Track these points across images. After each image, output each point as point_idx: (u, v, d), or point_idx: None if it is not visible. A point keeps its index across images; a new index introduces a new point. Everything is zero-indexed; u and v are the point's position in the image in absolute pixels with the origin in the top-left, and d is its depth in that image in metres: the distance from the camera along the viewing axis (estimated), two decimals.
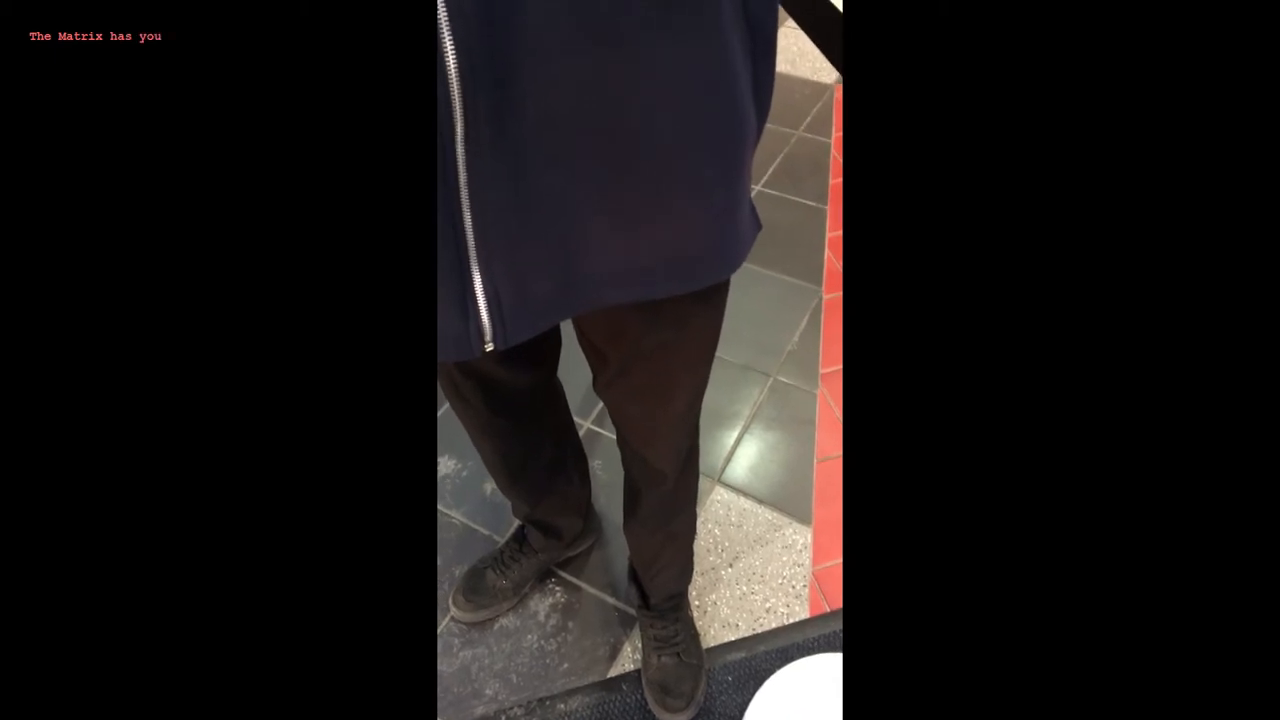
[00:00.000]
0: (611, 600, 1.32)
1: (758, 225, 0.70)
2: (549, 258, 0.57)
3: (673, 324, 0.73)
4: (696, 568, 1.27)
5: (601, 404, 1.52)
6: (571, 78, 0.49)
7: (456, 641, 1.27)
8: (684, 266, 0.64)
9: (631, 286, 0.63)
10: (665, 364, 0.78)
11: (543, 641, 1.27)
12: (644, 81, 0.51)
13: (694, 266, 0.65)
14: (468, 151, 0.49)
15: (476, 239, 0.53)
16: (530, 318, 0.60)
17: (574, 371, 0.87)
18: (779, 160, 2.19)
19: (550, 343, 0.93)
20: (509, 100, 0.48)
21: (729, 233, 0.65)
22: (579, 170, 0.53)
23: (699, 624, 1.26)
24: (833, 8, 2.52)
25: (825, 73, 2.54)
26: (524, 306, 0.59)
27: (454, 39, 0.44)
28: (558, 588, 1.34)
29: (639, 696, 1.18)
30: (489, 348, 0.60)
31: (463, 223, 0.52)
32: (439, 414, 1.51)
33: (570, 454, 1.18)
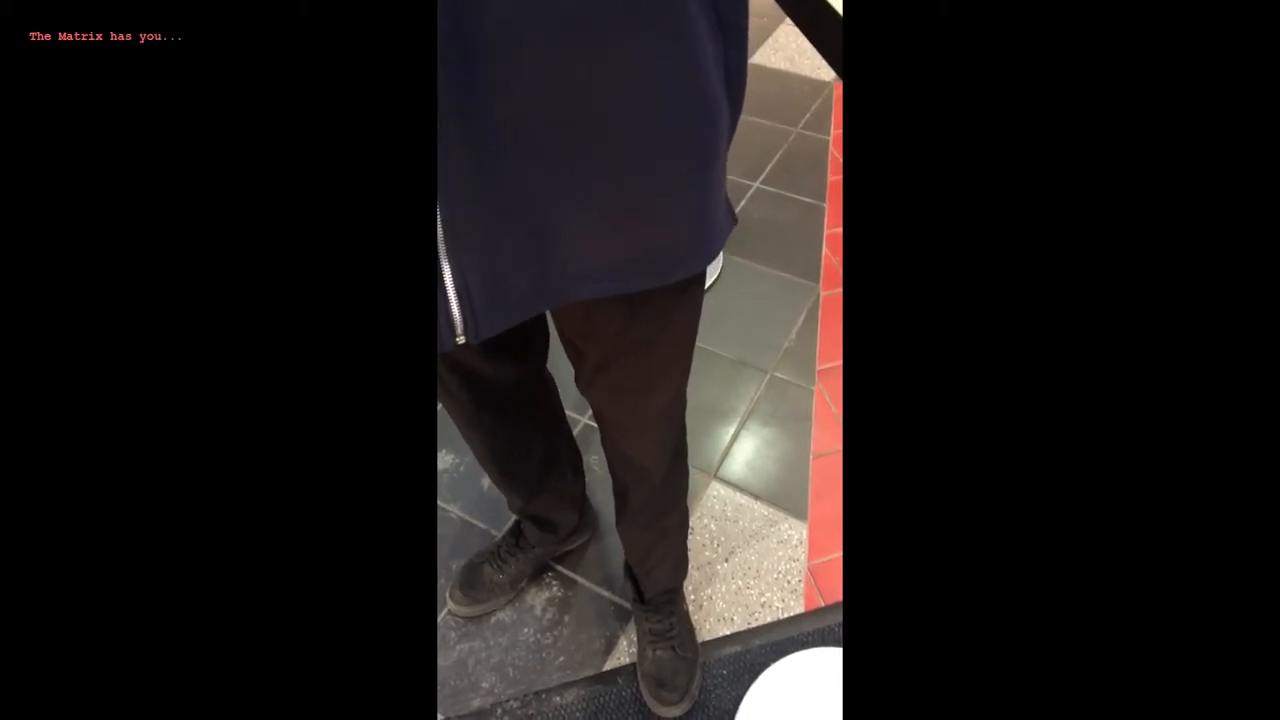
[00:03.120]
0: (607, 594, 1.33)
1: (733, 218, 0.70)
2: (521, 251, 0.58)
3: (650, 319, 0.73)
4: (692, 562, 1.28)
5: None
6: (538, 69, 0.49)
7: (453, 635, 1.28)
8: (659, 261, 0.64)
9: (606, 281, 0.63)
10: (644, 359, 0.78)
11: (539, 635, 1.28)
12: (612, 74, 0.51)
13: (669, 260, 0.65)
14: (436, 142, 0.49)
15: (445, 231, 0.53)
16: (503, 311, 0.60)
17: (569, 367, 0.87)
18: (777, 157, 2.20)
19: (535, 336, 0.93)
20: (476, 92, 0.48)
21: (704, 226, 0.65)
22: (549, 163, 0.53)
23: (694, 618, 1.27)
24: (828, 6, 2.52)
25: (824, 70, 2.53)
26: (496, 300, 0.59)
27: None
28: (554, 582, 1.34)
29: (634, 690, 1.19)
30: (460, 340, 0.60)
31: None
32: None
33: (563, 449, 1.18)
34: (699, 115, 0.57)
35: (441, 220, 0.53)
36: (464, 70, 0.47)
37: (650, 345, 0.77)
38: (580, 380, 0.86)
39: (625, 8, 0.49)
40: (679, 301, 0.73)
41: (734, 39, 0.57)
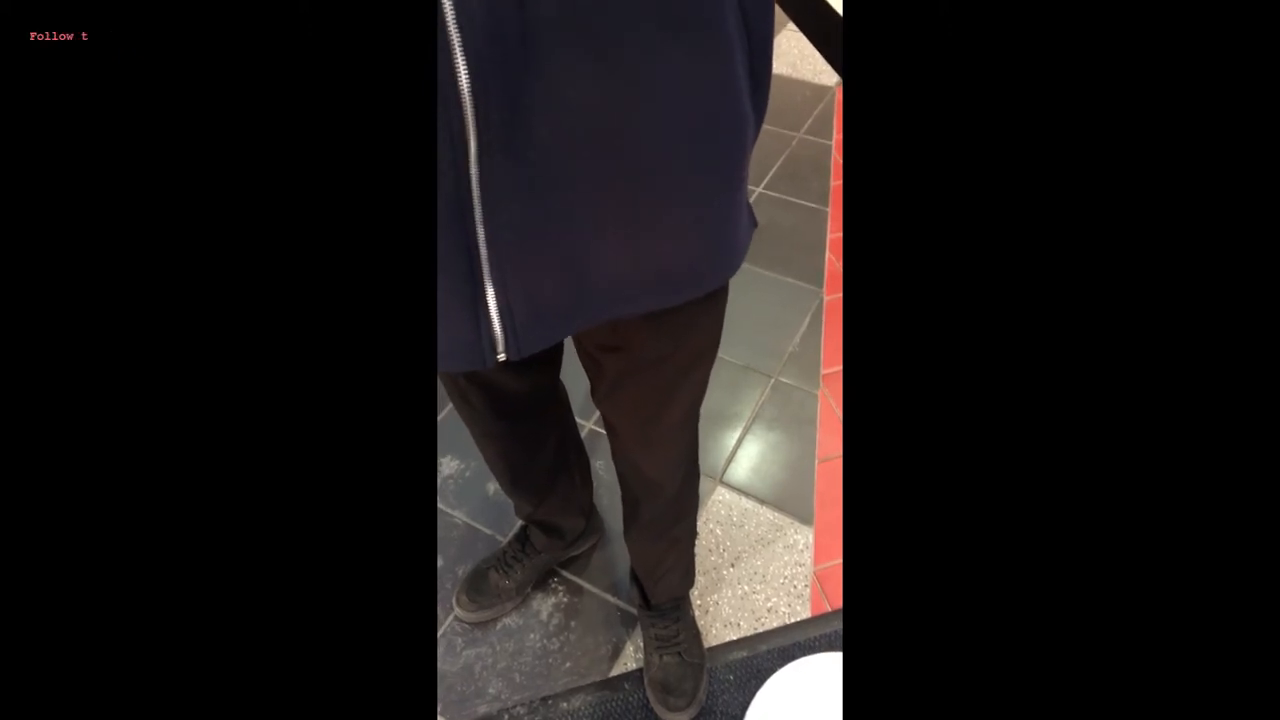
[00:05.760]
0: (613, 600, 1.32)
1: (754, 223, 0.71)
2: (560, 271, 0.58)
3: (676, 331, 0.73)
4: (698, 568, 1.27)
5: None
6: (579, 96, 0.49)
7: (460, 641, 1.28)
8: (690, 275, 0.65)
9: (640, 298, 0.63)
10: (662, 374, 0.78)
11: (545, 641, 1.28)
12: (650, 99, 0.51)
13: (699, 273, 0.65)
14: (481, 168, 0.50)
15: (489, 252, 0.54)
16: (542, 329, 0.61)
17: (577, 373, 0.88)
18: (780, 162, 2.20)
19: (553, 348, 0.93)
20: (519, 118, 0.49)
21: (731, 236, 0.65)
22: (588, 185, 0.54)
23: (701, 623, 1.26)
24: (830, 9, 2.53)
25: (826, 75, 2.54)
26: (536, 318, 0.60)
27: (467, 61, 0.45)
28: (560, 587, 1.34)
29: (641, 695, 1.18)
30: (501, 358, 0.60)
31: (476, 237, 0.53)
32: (442, 416, 1.52)
33: (572, 454, 1.18)
34: (729, 128, 0.57)
35: (486, 242, 0.53)
36: (507, 94, 0.47)
37: (672, 357, 0.77)
38: (597, 394, 0.86)
39: (665, 36, 0.49)
40: (705, 311, 0.73)
41: (760, 46, 0.57)
